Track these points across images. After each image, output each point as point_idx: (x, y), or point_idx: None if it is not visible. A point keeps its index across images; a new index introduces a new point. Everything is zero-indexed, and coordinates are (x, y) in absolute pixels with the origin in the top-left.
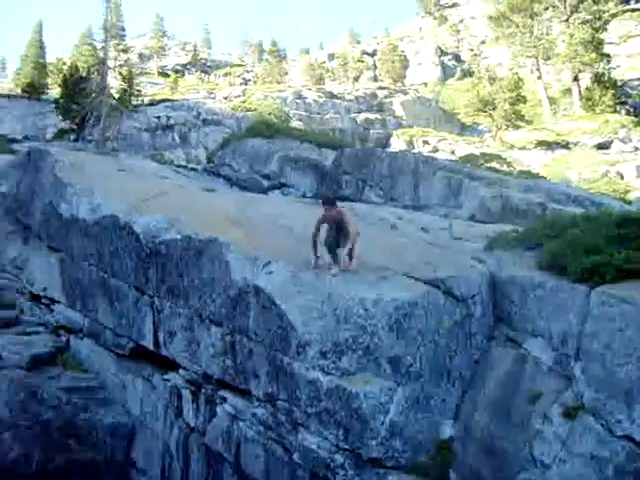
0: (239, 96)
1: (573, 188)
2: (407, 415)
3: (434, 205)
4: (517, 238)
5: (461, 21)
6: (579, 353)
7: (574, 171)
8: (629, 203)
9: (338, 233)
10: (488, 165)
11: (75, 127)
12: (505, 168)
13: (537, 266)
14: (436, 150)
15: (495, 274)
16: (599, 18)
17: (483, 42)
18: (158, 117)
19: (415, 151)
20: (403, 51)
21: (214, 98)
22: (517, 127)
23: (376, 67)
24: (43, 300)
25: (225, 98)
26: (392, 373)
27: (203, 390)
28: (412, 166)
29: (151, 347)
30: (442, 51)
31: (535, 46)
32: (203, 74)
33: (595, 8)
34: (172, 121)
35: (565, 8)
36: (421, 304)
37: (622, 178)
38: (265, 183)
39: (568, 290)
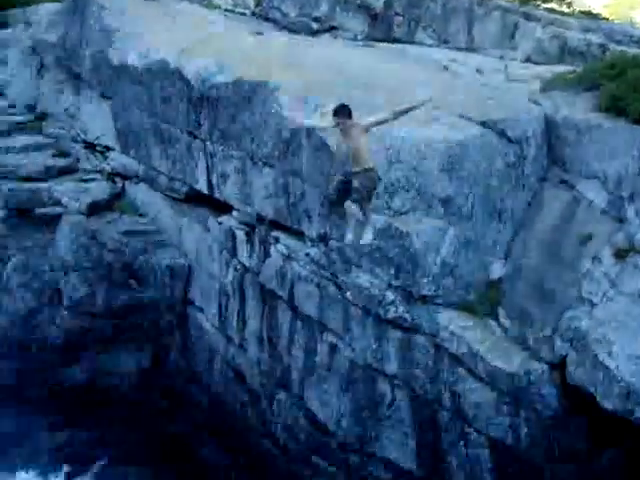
0: None
1: (637, 28)
2: (458, 254)
3: (488, 47)
4: (574, 79)
5: None
6: (633, 195)
7: (639, 11)
8: None
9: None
10: (546, 5)
11: None
12: (564, 9)
13: (594, 108)
14: None
15: (550, 116)
16: None
17: None
18: None
19: None
20: None
21: None
22: None
23: None
24: (98, 148)
25: None
26: (444, 213)
27: (257, 231)
28: (466, 6)
29: (205, 190)
30: None
31: None
32: None
33: None
34: None
35: None
36: (474, 145)
37: None
38: (314, 26)
39: (626, 131)
